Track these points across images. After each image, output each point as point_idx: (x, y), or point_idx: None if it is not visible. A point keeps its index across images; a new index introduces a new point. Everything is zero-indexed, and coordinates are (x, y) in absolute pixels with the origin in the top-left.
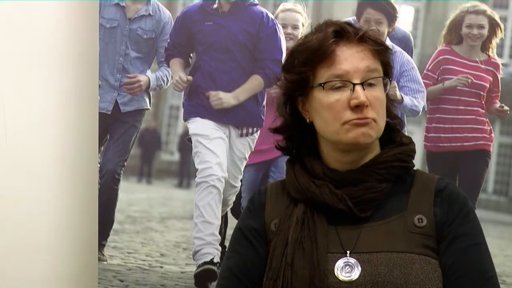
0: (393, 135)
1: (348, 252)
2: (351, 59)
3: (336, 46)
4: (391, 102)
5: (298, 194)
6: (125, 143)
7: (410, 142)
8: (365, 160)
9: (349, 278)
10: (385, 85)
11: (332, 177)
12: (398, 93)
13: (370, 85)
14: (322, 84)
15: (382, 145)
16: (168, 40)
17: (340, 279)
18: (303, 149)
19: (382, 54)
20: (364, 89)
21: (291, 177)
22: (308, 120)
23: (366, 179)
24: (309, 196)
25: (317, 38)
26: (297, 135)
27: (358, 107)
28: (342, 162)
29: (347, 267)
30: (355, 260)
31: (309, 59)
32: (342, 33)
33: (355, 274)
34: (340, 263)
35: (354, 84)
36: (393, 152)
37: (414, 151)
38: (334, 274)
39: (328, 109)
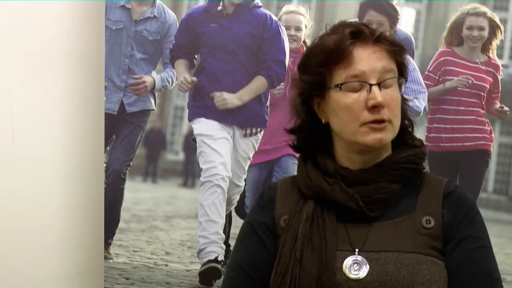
0: (404, 136)
1: (356, 250)
2: (367, 60)
3: (353, 47)
4: (406, 103)
5: (309, 190)
6: (130, 143)
7: (421, 145)
8: (377, 160)
9: (357, 276)
10: (400, 85)
11: (344, 175)
12: None
13: (386, 85)
14: (340, 85)
15: (393, 146)
16: (173, 42)
17: (348, 277)
18: (317, 148)
19: (397, 54)
20: (380, 90)
21: (303, 173)
22: (323, 121)
23: (377, 179)
24: (320, 193)
25: (334, 39)
26: (313, 135)
27: (375, 108)
28: (355, 161)
29: (356, 265)
30: (363, 258)
31: (326, 60)
32: (359, 34)
33: (363, 272)
34: (348, 260)
35: (371, 85)
36: (405, 154)
37: (425, 154)
38: (342, 271)
39: (346, 110)
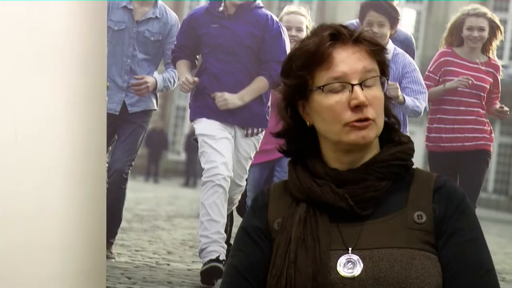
0: (391, 134)
1: (350, 249)
2: (348, 61)
3: (333, 49)
4: (390, 101)
5: (300, 193)
6: (132, 143)
7: (409, 141)
8: (365, 159)
9: (351, 274)
10: (382, 84)
11: (333, 176)
12: (400, 94)
13: (368, 85)
14: (322, 87)
15: (381, 144)
16: (175, 42)
17: (343, 275)
18: (305, 151)
19: (378, 54)
20: (362, 89)
21: (293, 177)
22: (308, 124)
23: (367, 177)
24: (311, 195)
25: (314, 42)
26: (299, 138)
27: (358, 107)
28: (343, 162)
29: (349, 263)
30: (357, 256)
31: (307, 63)
32: (338, 35)
33: (357, 270)
34: (342, 259)
35: (353, 85)
36: (392, 151)
37: (412, 150)
38: (337, 270)
39: (329, 111)
